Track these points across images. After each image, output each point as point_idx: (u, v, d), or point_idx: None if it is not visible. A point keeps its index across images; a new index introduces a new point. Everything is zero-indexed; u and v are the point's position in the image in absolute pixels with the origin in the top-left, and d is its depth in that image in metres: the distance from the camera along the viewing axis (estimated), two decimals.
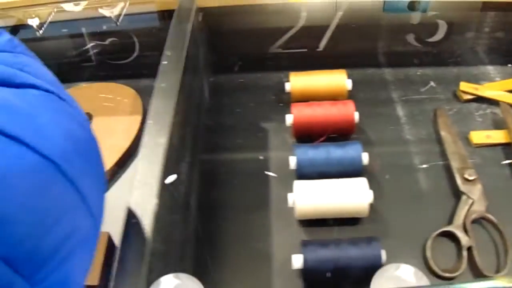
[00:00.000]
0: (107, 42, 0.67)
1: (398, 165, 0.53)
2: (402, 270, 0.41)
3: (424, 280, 0.40)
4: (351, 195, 0.46)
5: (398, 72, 0.64)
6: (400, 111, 0.59)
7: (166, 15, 0.68)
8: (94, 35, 0.68)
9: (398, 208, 0.49)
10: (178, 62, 0.46)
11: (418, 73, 0.64)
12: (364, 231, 0.47)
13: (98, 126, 0.59)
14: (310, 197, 0.46)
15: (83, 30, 0.67)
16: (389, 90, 0.62)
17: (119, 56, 0.68)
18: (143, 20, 0.69)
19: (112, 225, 0.36)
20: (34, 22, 0.69)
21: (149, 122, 0.44)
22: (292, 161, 0.49)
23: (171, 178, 0.43)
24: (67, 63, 0.69)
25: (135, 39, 0.68)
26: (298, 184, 0.47)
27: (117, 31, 0.67)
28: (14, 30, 0.68)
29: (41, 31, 0.67)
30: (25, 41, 0.32)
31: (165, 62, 0.49)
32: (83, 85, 0.67)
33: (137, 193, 0.38)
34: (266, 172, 0.52)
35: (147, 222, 0.36)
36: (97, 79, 0.68)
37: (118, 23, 0.63)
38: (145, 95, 0.62)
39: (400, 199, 0.50)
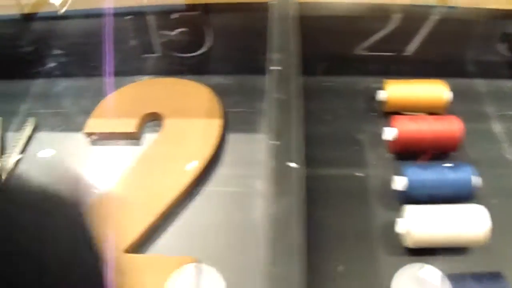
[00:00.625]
0: (174, 32, 0.63)
1: (505, 188, 0.49)
2: (425, 271, 0.38)
3: (447, 285, 0.38)
4: (469, 224, 0.42)
5: (491, 83, 0.60)
6: (497, 127, 0.55)
7: (239, 6, 0.63)
8: (161, 25, 0.63)
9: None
10: (289, 67, 0.41)
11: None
12: (476, 262, 0.43)
13: (171, 130, 0.54)
14: (425, 225, 0.42)
15: (149, 18, 0.63)
16: (483, 104, 0.58)
17: (186, 49, 0.63)
18: (215, 10, 0.64)
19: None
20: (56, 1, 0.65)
21: (274, 142, 0.38)
22: (401, 182, 0.45)
23: None
24: (127, 53, 0.64)
25: (206, 31, 0.63)
26: (410, 209, 0.43)
27: (186, 21, 0.62)
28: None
29: (62, 10, 0.63)
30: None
31: (278, 68, 0.43)
32: (145, 78, 0.61)
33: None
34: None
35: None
36: (160, 73, 0.63)
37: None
38: (219, 95, 0.57)
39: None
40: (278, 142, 0.38)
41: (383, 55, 0.60)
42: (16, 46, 0.66)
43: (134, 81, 0.61)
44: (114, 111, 0.57)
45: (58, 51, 0.66)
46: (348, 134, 0.53)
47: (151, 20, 0.62)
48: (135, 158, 0.52)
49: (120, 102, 0.58)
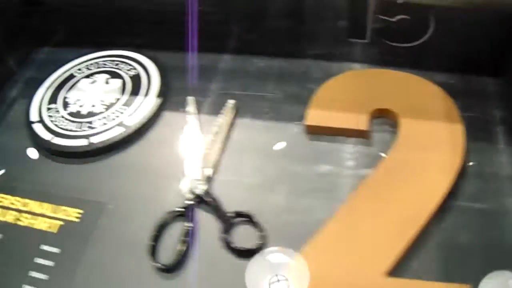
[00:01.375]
0: (394, 19, 0.56)
1: None
2: None
3: None
4: None
5: None
6: None
7: None
8: (383, 9, 0.54)
9: None
10: None
11: None
12: None
13: (410, 133, 0.47)
14: None
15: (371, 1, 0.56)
16: None
17: (402, 39, 0.55)
18: None
19: None
20: None
21: None
22: None
23: None
24: (333, 34, 0.56)
25: (428, 22, 0.53)
26: None
27: (411, 8, 0.54)
28: None
29: None
30: None
31: None
32: (353, 66, 0.54)
33: None
34: None
35: None
36: (367, 62, 0.55)
37: None
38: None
39: None
40: None
41: None
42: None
43: (340, 68, 0.54)
44: (336, 102, 0.51)
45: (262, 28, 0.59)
46: None
47: (373, 1, 0.55)
48: (377, 163, 0.45)
49: (342, 93, 0.51)
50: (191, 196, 0.45)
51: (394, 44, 0.55)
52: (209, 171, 0.47)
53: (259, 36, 0.58)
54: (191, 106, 0.52)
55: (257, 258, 0.41)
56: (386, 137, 0.48)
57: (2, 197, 0.50)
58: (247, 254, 0.41)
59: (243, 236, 0.42)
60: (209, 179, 0.46)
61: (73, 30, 0.66)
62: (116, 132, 0.51)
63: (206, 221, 0.44)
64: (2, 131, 0.57)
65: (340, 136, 0.49)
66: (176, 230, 0.44)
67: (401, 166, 0.45)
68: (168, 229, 0.44)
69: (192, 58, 0.58)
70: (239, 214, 0.43)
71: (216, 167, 0.48)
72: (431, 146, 0.46)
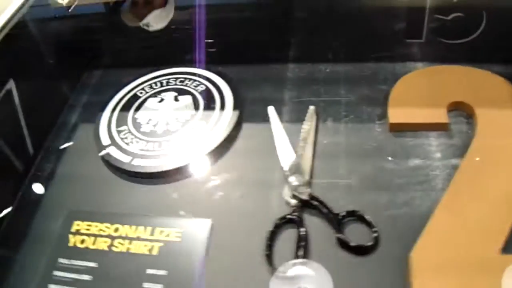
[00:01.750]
0: (449, 17, 0.59)
1: None
2: None
3: None
4: None
5: None
6: None
7: None
8: (439, 8, 0.58)
9: None
10: None
11: None
12: None
13: (487, 122, 0.49)
14: None
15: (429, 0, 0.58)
16: None
17: (456, 35, 0.59)
18: None
19: None
20: None
21: None
22: None
23: None
24: (390, 36, 0.60)
25: (480, 17, 0.58)
26: None
27: (463, 6, 0.58)
28: None
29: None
30: None
31: None
32: (418, 65, 0.56)
33: None
34: None
35: None
36: (426, 60, 0.57)
37: None
38: None
39: None
40: None
41: None
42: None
43: (404, 68, 0.56)
44: (413, 99, 0.53)
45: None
46: None
47: (430, 2, 0.58)
48: (464, 152, 0.47)
49: (416, 91, 0.53)
50: (295, 201, 0.46)
51: (449, 41, 0.59)
52: (307, 176, 0.48)
53: (319, 44, 0.60)
54: (273, 116, 0.54)
55: (279, 271, 0.41)
56: (463, 128, 0.51)
57: (89, 225, 0.49)
58: (364, 251, 0.42)
59: (356, 234, 0.43)
60: (309, 184, 0.48)
61: (119, 52, 0.67)
62: (202, 148, 0.52)
63: (314, 224, 0.45)
64: (70, 157, 0.56)
65: (421, 131, 0.51)
66: (286, 236, 0.44)
67: (489, 152, 0.47)
68: (279, 236, 0.44)
69: (257, 69, 0.59)
70: (350, 213, 0.45)
71: (311, 172, 0.49)
72: (510, 131, 0.49)
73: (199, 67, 0.61)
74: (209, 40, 0.63)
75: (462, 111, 0.52)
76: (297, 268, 0.41)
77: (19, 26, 0.57)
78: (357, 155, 0.50)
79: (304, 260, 0.42)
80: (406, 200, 0.46)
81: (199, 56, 0.61)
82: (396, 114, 0.51)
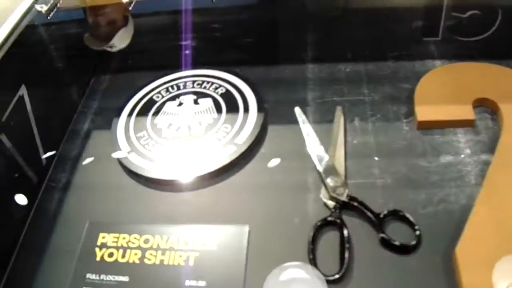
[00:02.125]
0: (466, 15, 0.59)
1: None
2: None
3: None
4: None
5: None
6: None
7: None
8: (456, 6, 0.59)
9: None
10: None
11: None
12: None
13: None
14: None
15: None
16: None
17: (471, 33, 0.59)
18: None
19: None
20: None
21: None
22: None
23: None
24: (408, 35, 0.60)
25: (495, 14, 0.59)
26: None
27: (479, 3, 0.58)
28: None
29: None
30: None
31: None
32: (437, 63, 0.56)
33: None
34: None
35: None
36: (443, 57, 0.58)
37: None
38: None
39: None
40: None
41: None
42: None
43: (424, 66, 0.56)
44: (438, 97, 0.53)
45: None
46: None
47: (447, 0, 0.58)
48: (493, 147, 0.47)
49: (440, 88, 0.53)
50: (333, 203, 0.46)
51: (465, 38, 0.60)
52: (342, 177, 0.47)
53: (337, 43, 0.60)
54: (300, 117, 0.53)
55: (274, 273, 0.41)
56: (489, 124, 0.51)
57: (116, 237, 0.46)
58: (407, 250, 0.42)
59: (397, 233, 0.43)
60: (346, 185, 0.47)
61: (127, 56, 0.64)
62: (229, 151, 0.50)
63: (354, 225, 0.44)
64: (86, 165, 0.53)
65: (448, 128, 0.51)
66: (327, 239, 0.43)
67: None
68: (320, 239, 0.44)
69: (275, 70, 0.58)
70: (391, 213, 0.44)
71: (346, 173, 0.48)
72: None
73: (214, 69, 0.59)
74: (224, 42, 0.62)
75: (486, 107, 0.53)
76: (291, 271, 0.41)
77: (28, 30, 0.54)
78: (388, 154, 0.50)
79: (298, 263, 0.41)
80: (442, 197, 0.46)
81: (213, 57, 0.60)
82: (424, 112, 0.51)
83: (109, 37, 0.61)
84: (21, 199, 0.50)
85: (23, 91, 0.50)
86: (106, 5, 0.62)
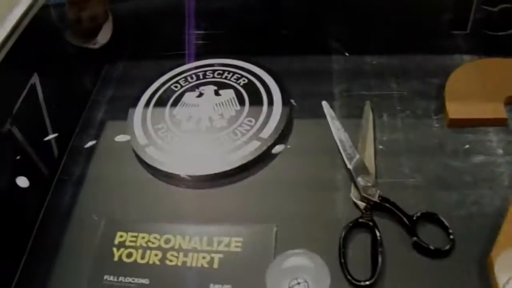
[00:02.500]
0: (496, 8, 0.57)
1: None
2: None
3: None
4: None
5: None
6: None
7: None
8: None
9: None
10: None
11: None
12: None
13: None
14: None
15: None
16: None
17: (500, 27, 0.57)
18: None
19: None
20: None
21: None
22: None
23: None
24: (436, 27, 0.57)
25: None
26: None
27: None
28: None
29: None
30: None
31: None
32: (466, 58, 0.54)
33: None
34: None
35: None
36: (471, 52, 0.56)
37: None
38: None
39: None
40: None
41: None
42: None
43: (453, 61, 0.54)
44: (469, 94, 0.51)
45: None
46: None
47: None
48: None
49: (471, 85, 0.52)
50: (364, 204, 0.44)
51: (494, 32, 0.58)
52: (373, 177, 0.45)
53: (363, 35, 0.58)
54: (327, 111, 0.51)
55: (277, 261, 0.40)
56: None
57: (134, 236, 0.43)
58: (441, 254, 0.41)
59: (429, 236, 0.41)
60: (377, 185, 0.45)
61: (142, 44, 0.61)
62: (254, 146, 0.48)
63: (386, 227, 0.42)
64: (101, 158, 0.51)
65: (479, 126, 0.50)
66: (358, 241, 0.42)
67: None
68: (350, 242, 0.42)
69: (298, 61, 0.56)
70: (425, 216, 0.43)
71: (376, 171, 0.47)
72: None
73: (236, 59, 0.57)
74: (245, 30, 0.59)
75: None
76: (294, 259, 0.40)
77: (41, 12, 0.51)
78: (419, 153, 0.48)
79: (301, 250, 0.40)
80: (475, 198, 0.44)
81: (234, 47, 0.58)
82: (455, 110, 0.49)
83: (93, 33, 0.59)
84: (32, 194, 0.48)
85: (35, 79, 0.48)
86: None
